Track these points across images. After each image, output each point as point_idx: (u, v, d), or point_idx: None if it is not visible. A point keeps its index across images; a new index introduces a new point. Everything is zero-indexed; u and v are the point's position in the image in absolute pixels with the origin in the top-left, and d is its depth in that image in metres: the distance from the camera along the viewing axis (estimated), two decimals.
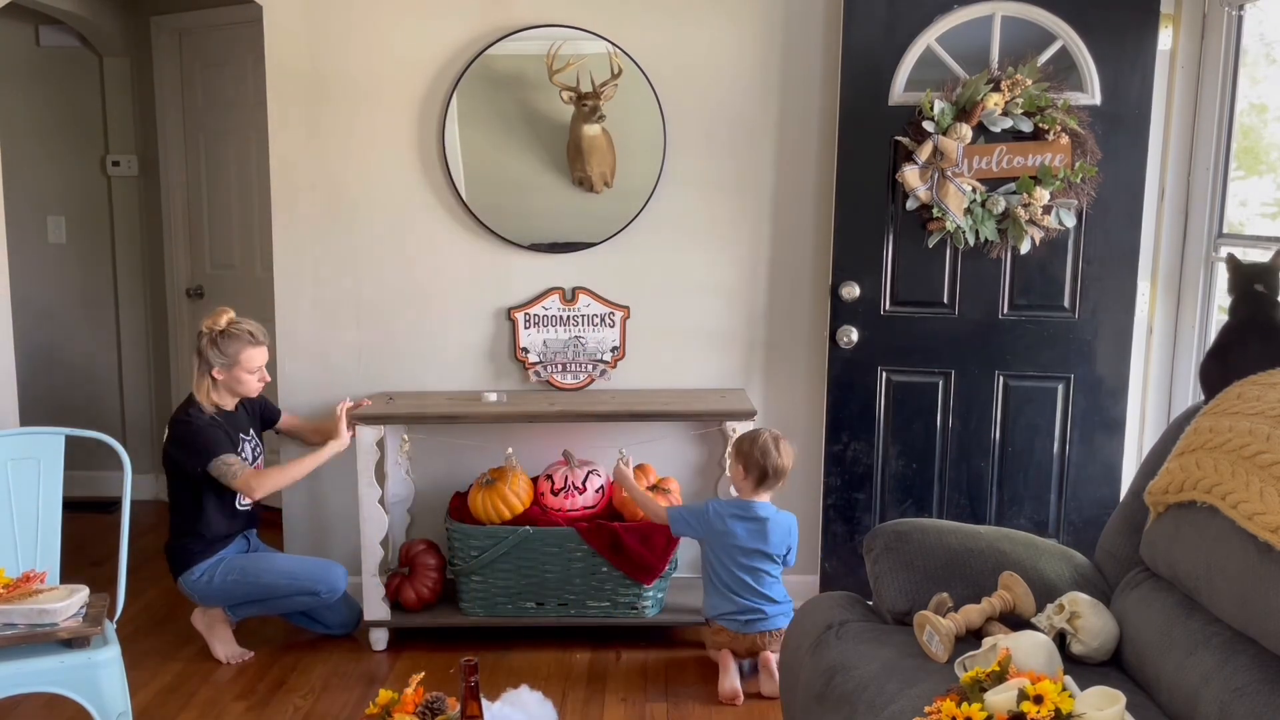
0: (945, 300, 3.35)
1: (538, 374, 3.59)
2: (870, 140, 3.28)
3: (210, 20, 4.50)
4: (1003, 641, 1.87)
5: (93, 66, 4.77)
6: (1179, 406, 3.36)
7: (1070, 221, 3.22)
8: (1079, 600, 2.05)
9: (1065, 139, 3.17)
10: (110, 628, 2.49)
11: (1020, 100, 3.16)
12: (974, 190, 3.21)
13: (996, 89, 3.17)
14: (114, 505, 2.92)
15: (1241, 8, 3.14)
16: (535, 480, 3.42)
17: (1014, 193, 3.20)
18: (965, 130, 3.17)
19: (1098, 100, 3.21)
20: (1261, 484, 1.74)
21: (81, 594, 2.43)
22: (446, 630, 3.42)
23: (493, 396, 3.46)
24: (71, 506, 2.85)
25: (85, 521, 4.39)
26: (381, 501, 3.36)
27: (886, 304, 3.36)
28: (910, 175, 3.22)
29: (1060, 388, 3.33)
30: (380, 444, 3.34)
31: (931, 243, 3.28)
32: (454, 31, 3.46)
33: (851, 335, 3.37)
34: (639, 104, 3.44)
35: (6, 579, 2.44)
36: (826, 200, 3.47)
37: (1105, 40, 3.18)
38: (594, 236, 3.54)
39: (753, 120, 3.51)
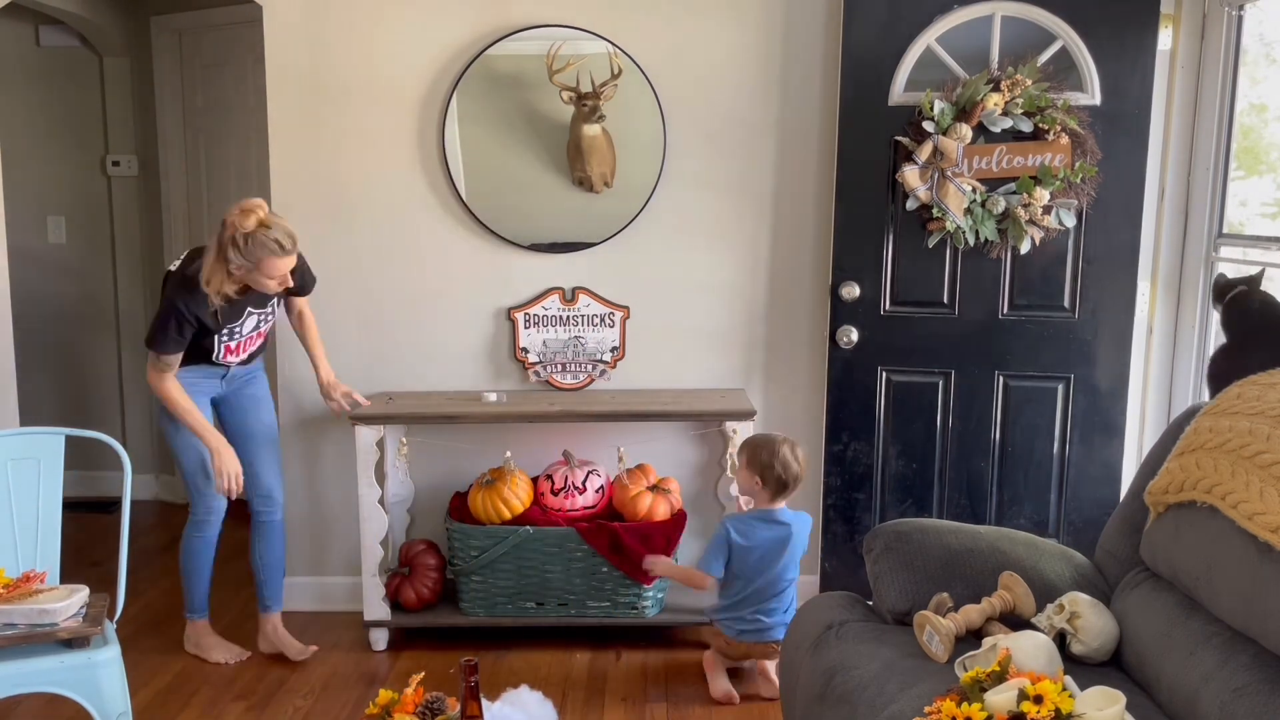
0: (945, 300, 3.35)
1: (537, 374, 3.59)
2: (870, 140, 3.28)
3: (210, 20, 4.50)
4: (1003, 641, 1.87)
5: (93, 66, 4.77)
6: (1179, 406, 3.36)
7: (1070, 221, 3.22)
8: (1079, 600, 2.05)
9: (1065, 139, 3.17)
10: (110, 628, 2.49)
11: (1020, 100, 3.16)
12: (974, 190, 3.21)
13: (996, 89, 3.18)
14: (114, 505, 2.92)
15: (1241, 8, 3.15)
16: (535, 480, 3.42)
17: (1014, 193, 3.20)
18: (965, 130, 3.17)
19: (1098, 100, 3.21)
20: (1261, 484, 1.74)
21: (81, 594, 2.43)
22: (446, 630, 3.42)
23: (493, 396, 3.46)
24: (71, 506, 2.85)
25: (85, 521, 4.39)
26: (381, 501, 3.36)
27: (886, 304, 3.36)
28: (910, 175, 3.22)
29: (1060, 388, 3.33)
30: (380, 444, 3.34)
31: (931, 243, 3.28)
32: (454, 31, 3.46)
33: (851, 335, 3.37)
34: (639, 104, 3.44)
35: (6, 579, 2.43)
36: (826, 200, 3.47)
37: (1105, 40, 3.18)
38: (594, 236, 3.54)
39: (753, 120, 3.51)
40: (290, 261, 2.96)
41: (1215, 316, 3.24)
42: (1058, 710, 1.58)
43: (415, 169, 3.53)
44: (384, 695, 2.17)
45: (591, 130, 3.42)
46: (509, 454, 3.41)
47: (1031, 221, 3.20)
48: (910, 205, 3.25)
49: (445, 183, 3.53)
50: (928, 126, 3.18)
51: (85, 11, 4.48)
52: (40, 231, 4.83)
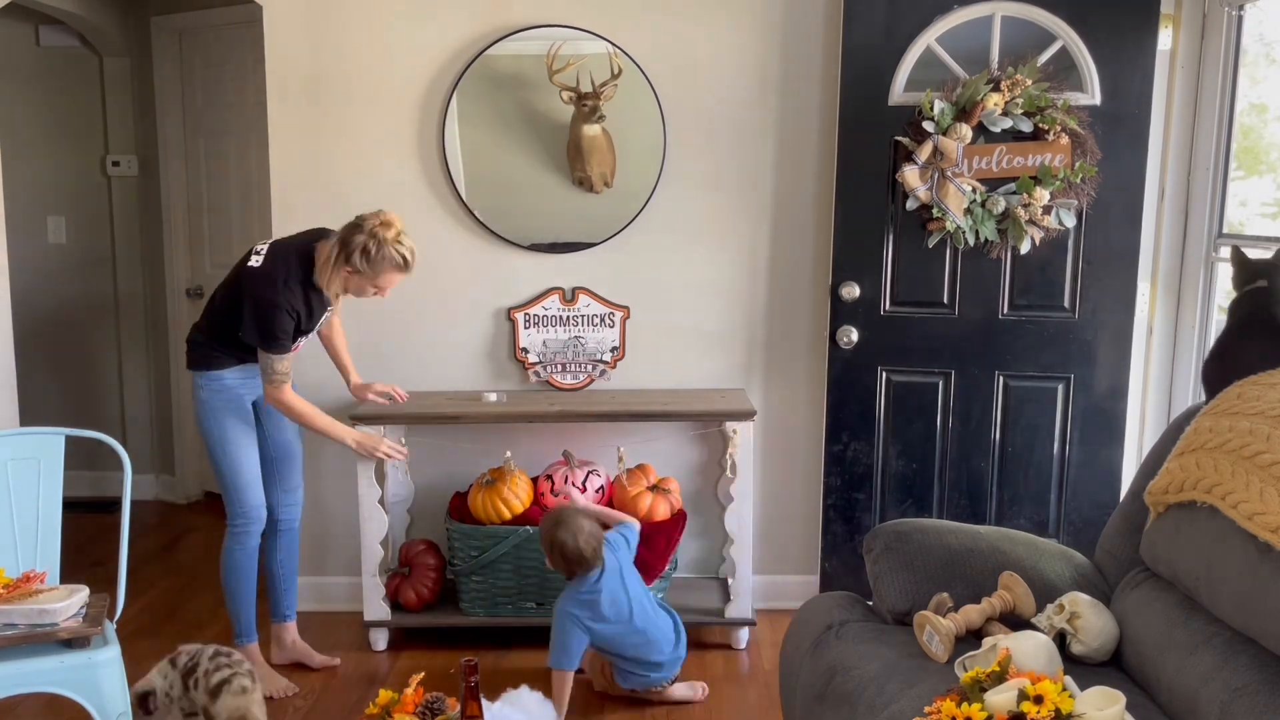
0: (945, 300, 3.35)
1: (537, 374, 3.59)
2: (870, 140, 3.28)
3: (210, 20, 4.51)
4: (1003, 641, 1.87)
5: (93, 66, 4.77)
6: (1179, 406, 3.36)
7: (1070, 221, 3.22)
8: (1079, 600, 2.05)
9: (1065, 139, 3.17)
10: (110, 628, 2.49)
11: (1020, 100, 3.16)
12: (974, 190, 3.21)
13: (996, 89, 3.17)
14: (114, 505, 2.92)
15: (1241, 8, 3.14)
16: (535, 480, 3.42)
17: (1014, 193, 3.20)
18: (965, 130, 3.17)
19: (1098, 100, 3.21)
20: (1261, 484, 1.74)
21: (81, 594, 2.43)
22: (446, 630, 3.42)
23: (493, 396, 3.46)
24: (71, 506, 2.84)
25: (85, 521, 4.39)
26: (381, 501, 3.36)
27: (886, 304, 3.36)
28: (910, 175, 3.22)
29: (1060, 388, 3.33)
30: None
31: (931, 243, 3.28)
32: (454, 31, 3.46)
33: (851, 335, 3.37)
34: (639, 104, 3.44)
35: (6, 579, 2.43)
36: (826, 200, 3.47)
37: (1105, 40, 3.18)
38: (594, 236, 3.54)
39: (753, 120, 3.51)
40: (404, 278, 3.01)
41: (1216, 316, 3.25)
42: (1058, 710, 1.58)
43: (415, 169, 3.53)
44: (384, 695, 2.17)
45: (591, 130, 3.42)
46: (509, 454, 3.41)
47: (1031, 221, 3.20)
48: (910, 205, 3.25)
49: (445, 183, 3.53)
50: (928, 126, 3.18)
51: (85, 11, 4.48)
52: (40, 231, 4.83)
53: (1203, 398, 2.16)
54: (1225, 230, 3.25)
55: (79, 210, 4.85)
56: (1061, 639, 2.03)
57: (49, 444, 2.65)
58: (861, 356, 3.38)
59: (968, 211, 3.21)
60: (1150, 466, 2.18)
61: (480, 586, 3.36)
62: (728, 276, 3.58)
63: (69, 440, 2.67)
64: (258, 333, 2.94)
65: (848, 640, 2.19)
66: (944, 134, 3.18)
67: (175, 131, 4.71)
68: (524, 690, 2.78)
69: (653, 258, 3.57)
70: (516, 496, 3.31)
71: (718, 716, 3.01)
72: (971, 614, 2.07)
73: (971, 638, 2.06)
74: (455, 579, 3.41)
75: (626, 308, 3.58)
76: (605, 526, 3.04)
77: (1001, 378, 3.36)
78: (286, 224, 3.53)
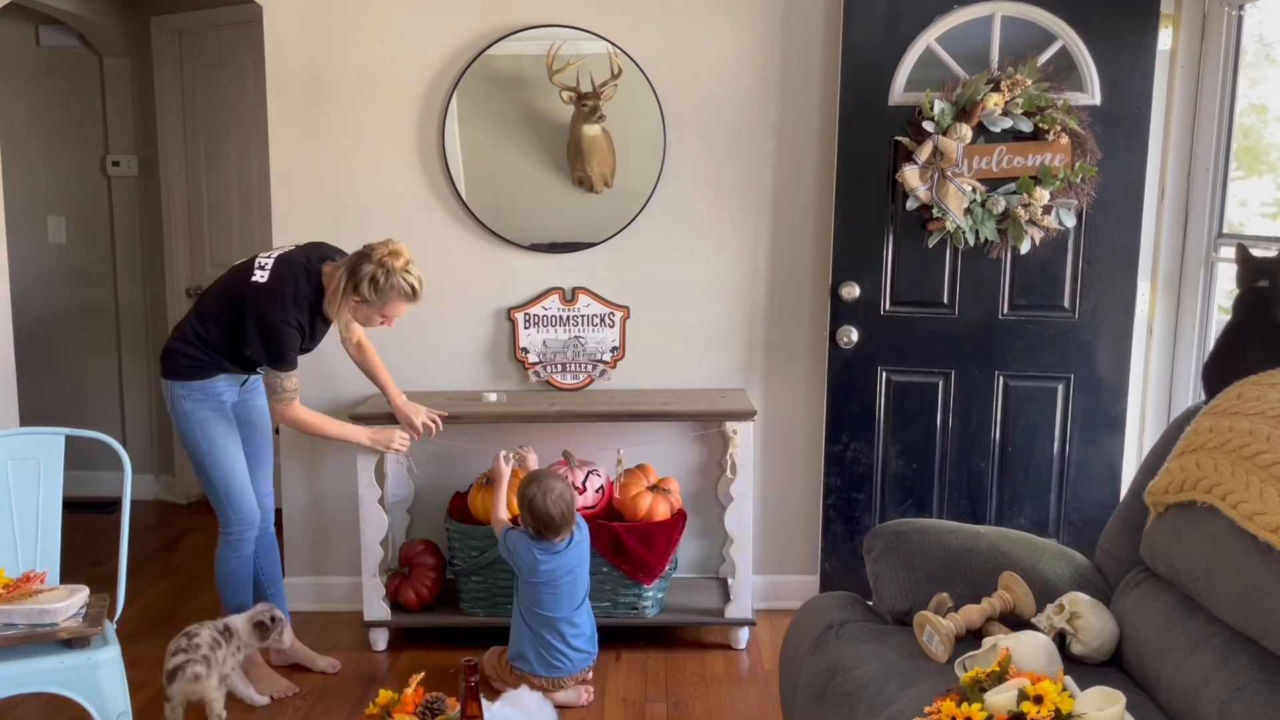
0: (945, 300, 3.35)
1: (537, 374, 3.59)
2: (870, 140, 3.28)
3: (210, 20, 4.51)
4: (1003, 641, 1.86)
5: (93, 66, 4.77)
6: (1179, 406, 3.36)
7: (1070, 221, 3.22)
8: (1079, 600, 2.05)
9: (1065, 139, 3.17)
10: (110, 628, 2.49)
11: (1020, 100, 3.16)
12: (974, 190, 3.21)
13: (996, 89, 3.18)
14: (114, 505, 2.92)
15: (1241, 8, 3.15)
16: None
17: (1014, 193, 3.20)
18: (965, 130, 3.17)
19: (1098, 100, 3.21)
20: (1261, 484, 1.74)
21: (81, 594, 2.43)
22: (446, 630, 3.42)
23: (493, 396, 3.46)
24: (71, 506, 2.84)
25: (85, 521, 4.39)
26: (381, 501, 3.36)
27: (886, 304, 3.36)
28: (910, 175, 3.22)
29: (1060, 388, 3.33)
30: None
31: (931, 243, 3.28)
32: (454, 31, 3.46)
33: (851, 335, 3.37)
34: (639, 104, 3.44)
35: (6, 579, 2.43)
36: (826, 200, 3.47)
37: (1105, 40, 3.18)
38: (594, 236, 3.54)
39: (753, 120, 3.51)
40: (412, 307, 3.00)
41: (1216, 316, 3.25)
42: (1058, 710, 1.58)
43: (415, 169, 3.53)
44: (384, 695, 2.17)
45: (591, 130, 3.42)
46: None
47: (1031, 221, 3.20)
48: (910, 205, 3.25)
49: (445, 183, 3.53)
50: (928, 126, 3.18)
51: (85, 11, 4.48)
52: (40, 231, 4.83)
53: (1203, 397, 2.16)
54: (1225, 230, 3.25)
55: (79, 210, 4.85)
56: (1061, 639, 2.03)
57: (49, 444, 2.65)
58: (861, 356, 3.38)
59: (968, 211, 3.21)
60: (1150, 466, 2.18)
61: (480, 586, 3.36)
62: (728, 276, 3.58)
63: (69, 440, 2.67)
64: (265, 351, 2.92)
65: (848, 640, 2.19)
66: (944, 134, 3.18)
67: (175, 131, 4.71)
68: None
69: (653, 258, 3.57)
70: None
71: (718, 716, 3.01)
72: (971, 614, 2.07)
73: (971, 638, 2.06)
74: (455, 579, 3.41)
75: (626, 308, 3.58)
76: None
77: (1001, 378, 3.36)
78: (286, 224, 3.54)
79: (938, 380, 3.39)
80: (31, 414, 3.92)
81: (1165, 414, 3.42)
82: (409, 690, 2.17)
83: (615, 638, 3.41)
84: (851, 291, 3.35)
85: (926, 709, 1.69)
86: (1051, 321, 3.31)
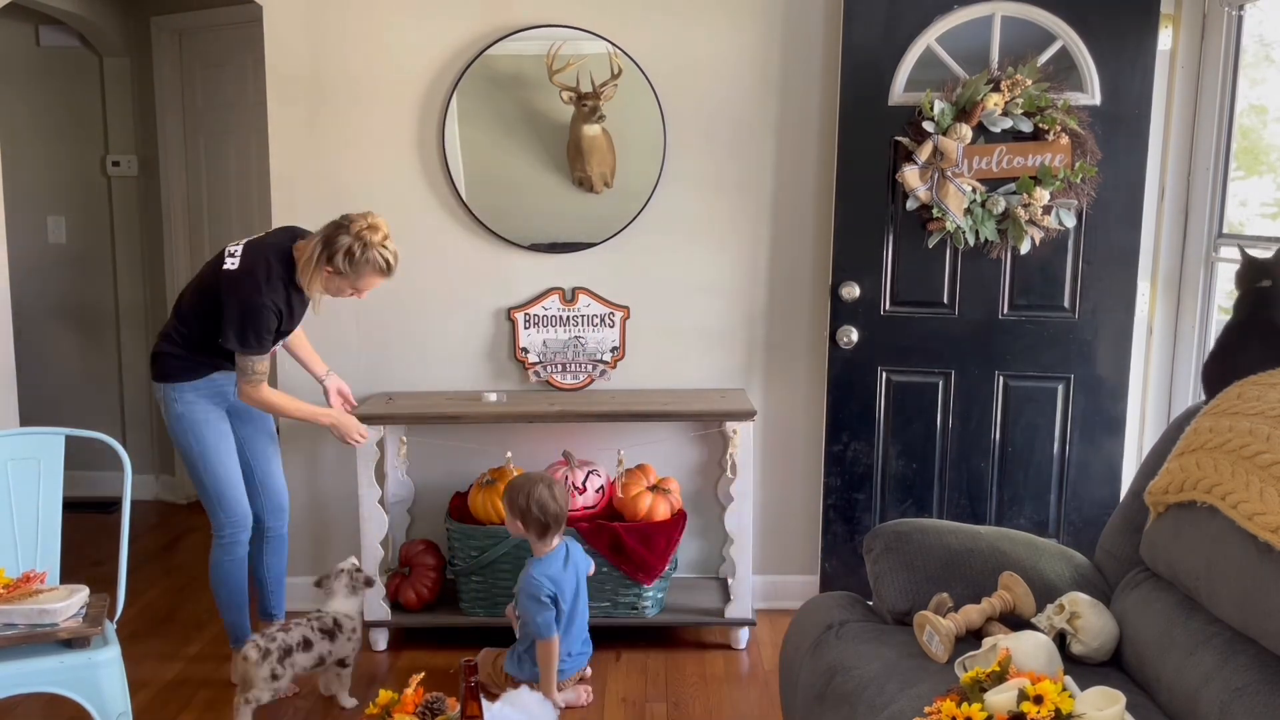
0: (945, 300, 3.35)
1: (537, 374, 3.59)
2: (870, 140, 3.28)
3: (210, 20, 4.51)
4: (1003, 641, 1.86)
5: (93, 66, 4.77)
6: (1179, 406, 3.36)
7: (1070, 221, 3.22)
8: (1079, 600, 2.05)
9: (1065, 139, 3.17)
10: (110, 628, 2.49)
11: (1020, 100, 3.16)
12: (974, 190, 3.21)
13: (996, 89, 3.18)
14: (114, 505, 2.92)
15: (1241, 8, 3.15)
16: None
17: (1014, 193, 3.20)
18: (965, 130, 3.17)
19: (1098, 100, 3.21)
20: (1261, 484, 1.74)
21: (81, 594, 2.43)
22: (446, 630, 3.42)
23: (493, 396, 3.46)
24: (71, 506, 2.84)
25: (85, 521, 4.39)
26: (381, 501, 3.36)
27: (886, 304, 3.36)
28: (910, 175, 3.22)
29: (1060, 388, 3.33)
30: (380, 444, 3.34)
31: (931, 243, 3.29)
32: (454, 31, 3.46)
33: (851, 335, 3.37)
34: (639, 104, 3.44)
35: (6, 579, 2.43)
36: (826, 200, 3.48)
37: (1105, 40, 3.18)
38: (594, 236, 3.54)
39: (753, 120, 3.51)
40: (384, 282, 2.97)
41: (1216, 316, 3.25)
42: (1058, 710, 1.58)
43: (415, 169, 3.53)
44: (384, 695, 2.17)
45: (591, 130, 3.42)
46: (509, 454, 3.41)
47: (1031, 222, 3.20)
48: (910, 205, 3.25)
49: (445, 183, 3.53)
50: (928, 126, 3.18)
51: (85, 11, 4.48)
52: (40, 231, 4.83)
53: (1203, 397, 2.16)
54: (1225, 230, 3.25)
55: (79, 210, 4.85)
56: (1061, 639, 2.03)
57: (49, 444, 2.65)
58: (861, 356, 3.38)
59: (968, 211, 3.21)
60: (1150, 466, 2.18)
61: (480, 586, 3.36)
62: (728, 276, 3.58)
63: (69, 440, 2.67)
64: (239, 335, 2.88)
65: (848, 640, 2.19)
66: (944, 134, 3.18)
67: (175, 131, 4.71)
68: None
69: (653, 258, 3.57)
70: None
71: (718, 716, 3.01)
72: (971, 614, 2.08)
73: (971, 638, 2.06)
74: (455, 579, 3.41)
75: (626, 308, 3.58)
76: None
77: (1001, 378, 3.36)
78: (286, 223, 3.52)
79: (938, 380, 3.39)
80: (31, 414, 3.92)
81: (1165, 414, 3.42)
82: (409, 690, 2.17)
83: (615, 638, 3.41)
84: (851, 291, 3.35)
85: (926, 709, 1.69)
86: (1051, 321, 3.31)
